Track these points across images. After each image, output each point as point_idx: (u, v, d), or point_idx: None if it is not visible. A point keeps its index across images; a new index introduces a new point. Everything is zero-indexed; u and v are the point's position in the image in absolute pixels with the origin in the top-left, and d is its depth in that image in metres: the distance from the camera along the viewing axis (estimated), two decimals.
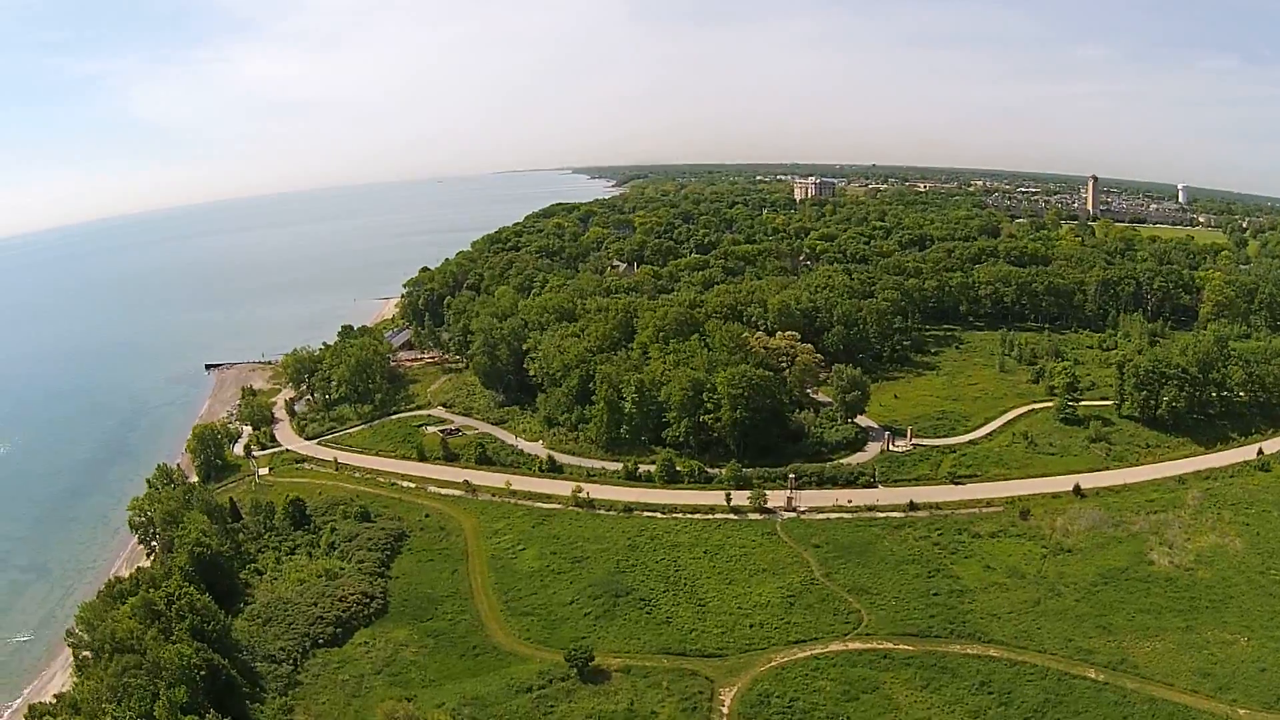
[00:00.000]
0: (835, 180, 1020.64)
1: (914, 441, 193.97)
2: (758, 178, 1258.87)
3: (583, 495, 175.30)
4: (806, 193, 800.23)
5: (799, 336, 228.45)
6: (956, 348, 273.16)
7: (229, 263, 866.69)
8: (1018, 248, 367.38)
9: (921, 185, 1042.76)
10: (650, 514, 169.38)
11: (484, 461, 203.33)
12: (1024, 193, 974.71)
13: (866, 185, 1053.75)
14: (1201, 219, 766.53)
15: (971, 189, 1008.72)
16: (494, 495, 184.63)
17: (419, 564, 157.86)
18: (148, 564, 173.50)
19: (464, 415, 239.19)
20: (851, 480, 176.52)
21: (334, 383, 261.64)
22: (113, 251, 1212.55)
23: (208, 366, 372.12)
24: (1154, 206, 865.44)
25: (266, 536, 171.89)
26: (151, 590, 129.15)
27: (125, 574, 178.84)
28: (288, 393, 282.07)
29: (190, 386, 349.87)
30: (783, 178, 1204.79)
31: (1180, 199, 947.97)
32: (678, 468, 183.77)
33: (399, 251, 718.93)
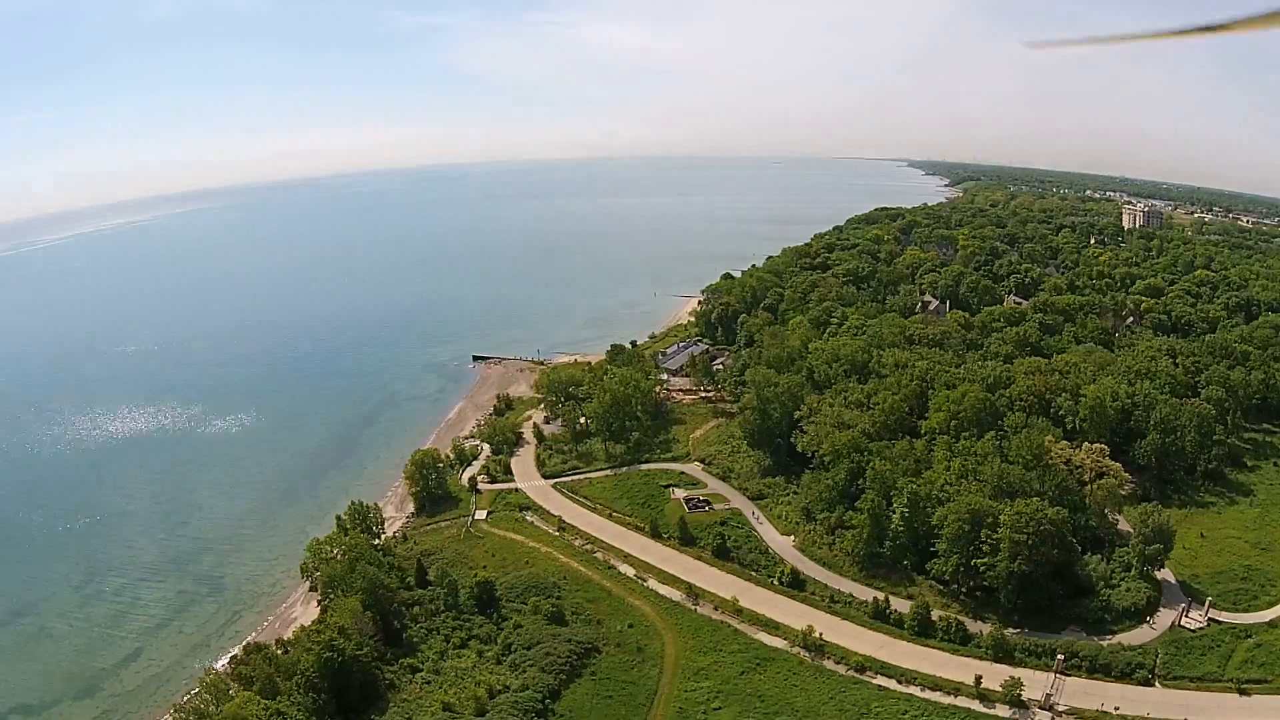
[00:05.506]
0: (1163, 205, 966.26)
1: (1210, 615, 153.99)
2: (1087, 191, 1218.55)
3: (814, 638, 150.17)
4: (1134, 221, 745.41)
5: (1107, 450, 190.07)
6: (1276, 464, 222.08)
7: (539, 233, 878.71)
8: None
9: (1244, 220, 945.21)
10: (884, 679, 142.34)
11: (721, 555, 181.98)
12: None
13: (1192, 213, 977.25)
14: None
15: None
16: (716, 609, 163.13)
17: (595, 701, 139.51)
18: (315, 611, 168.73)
19: (720, 479, 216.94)
20: (1127, 672, 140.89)
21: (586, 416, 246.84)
22: (439, 205, 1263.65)
23: (475, 358, 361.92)
24: None
25: (443, 617, 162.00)
26: (260, 703, 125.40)
27: (297, 612, 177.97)
28: (540, 412, 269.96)
29: (449, 380, 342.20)
30: (1111, 195, 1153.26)
31: None
32: (933, 617, 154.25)
33: (714, 241, 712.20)
